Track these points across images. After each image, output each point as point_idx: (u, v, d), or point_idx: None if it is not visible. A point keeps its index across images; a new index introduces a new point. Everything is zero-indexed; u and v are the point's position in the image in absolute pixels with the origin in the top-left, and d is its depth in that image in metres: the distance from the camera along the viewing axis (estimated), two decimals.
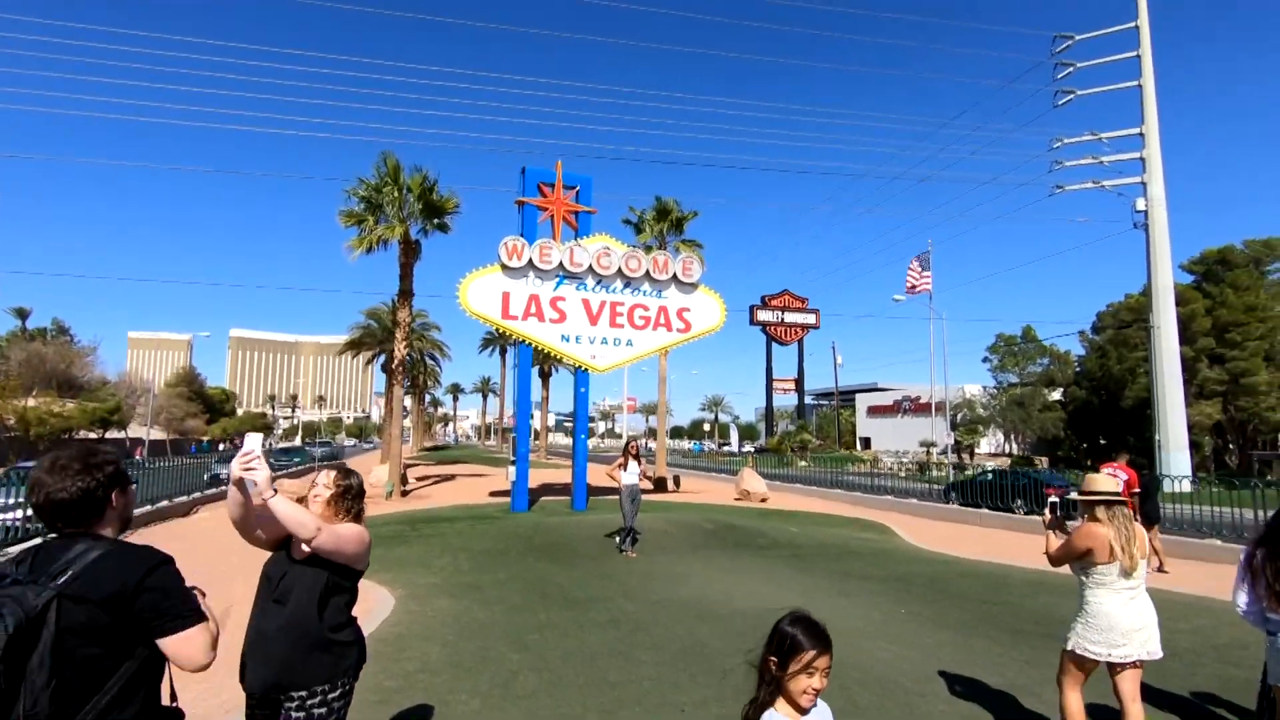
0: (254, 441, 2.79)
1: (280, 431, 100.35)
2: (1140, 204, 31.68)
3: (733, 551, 11.13)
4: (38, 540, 2.60)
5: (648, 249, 20.53)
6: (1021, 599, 8.33)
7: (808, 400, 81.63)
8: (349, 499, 3.08)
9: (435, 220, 20.55)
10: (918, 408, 70.82)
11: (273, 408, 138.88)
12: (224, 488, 21.96)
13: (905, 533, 14.79)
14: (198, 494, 19.84)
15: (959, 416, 64.86)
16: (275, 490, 2.74)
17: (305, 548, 2.84)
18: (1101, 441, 56.45)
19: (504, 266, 16.55)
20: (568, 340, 17.03)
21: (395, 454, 20.48)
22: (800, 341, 72.58)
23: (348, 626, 3.00)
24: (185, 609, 1.89)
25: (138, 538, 11.59)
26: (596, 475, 17.29)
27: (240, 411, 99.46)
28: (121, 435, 50.74)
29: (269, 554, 3.15)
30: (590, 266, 17.07)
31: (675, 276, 17.86)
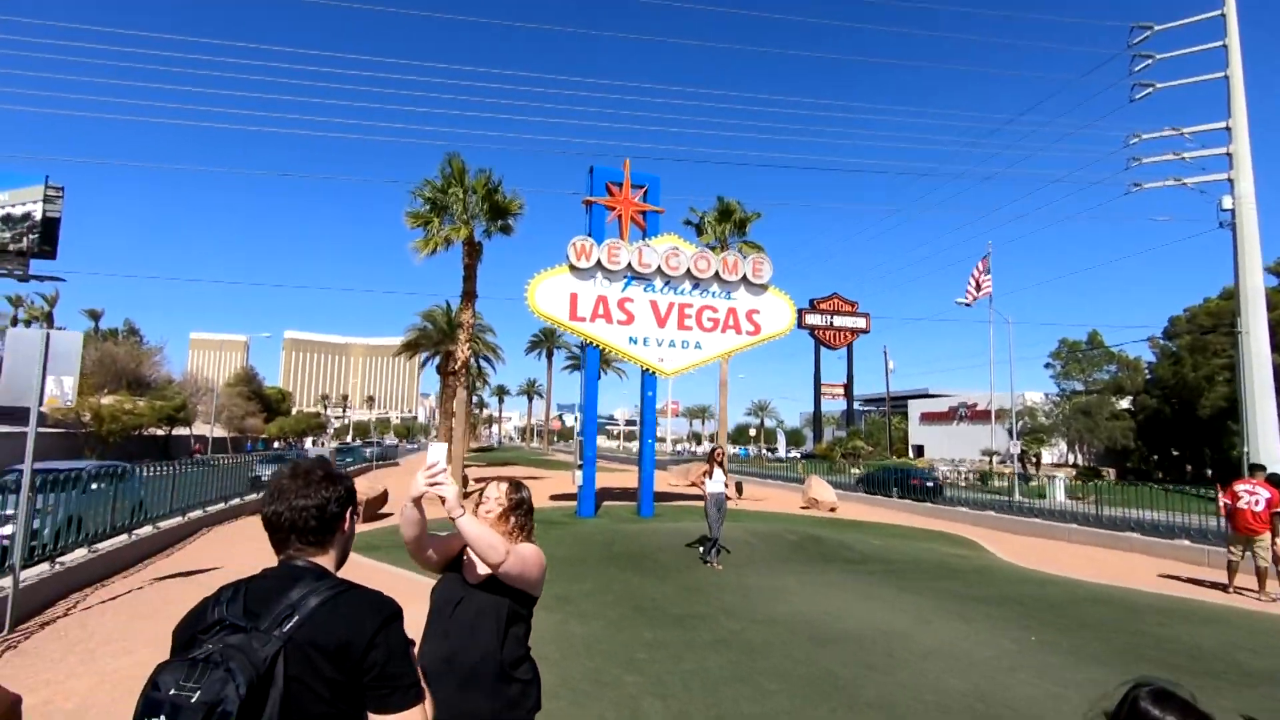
0: (439, 453, 2.46)
1: (332, 431, 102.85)
2: (1227, 202, 29.84)
3: (822, 566, 10.58)
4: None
5: (713, 250, 20.06)
6: (1158, 628, 7.60)
7: (856, 406, 79.90)
8: (521, 514, 2.80)
9: (499, 222, 20.46)
10: (975, 415, 68.52)
11: (325, 407, 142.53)
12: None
13: (994, 547, 13.98)
14: (253, 496, 20.11)
15: (1019, 425, 62.55)
16: (464, 509, 2.41)
17: (482, 571, 2.57)
18: (1174, 453, 53.65)
19: (572, 267, 16.29)
20: (635, 342, 16.67)
21: (458, 456, 20.42)
22: (849, 346, 70.99)
23: (526, 661, 2.65)
24: (409, 679, 1.54)
25: (215, 536, 11.58)
26: (626, 479, 16.87)
27: (295, 411, 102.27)
28: (187, 432, 52.43)
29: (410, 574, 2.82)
30: (659, 267, 16.70)
31: (745, 278, 17.35)
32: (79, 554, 9.82)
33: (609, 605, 7.83)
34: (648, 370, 16.88)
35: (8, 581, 7.88)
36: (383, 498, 16.19)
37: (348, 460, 36.20)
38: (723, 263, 17.18)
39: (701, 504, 10.73)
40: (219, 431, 56.27)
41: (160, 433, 48.29)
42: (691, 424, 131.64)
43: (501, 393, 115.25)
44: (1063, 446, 62.81)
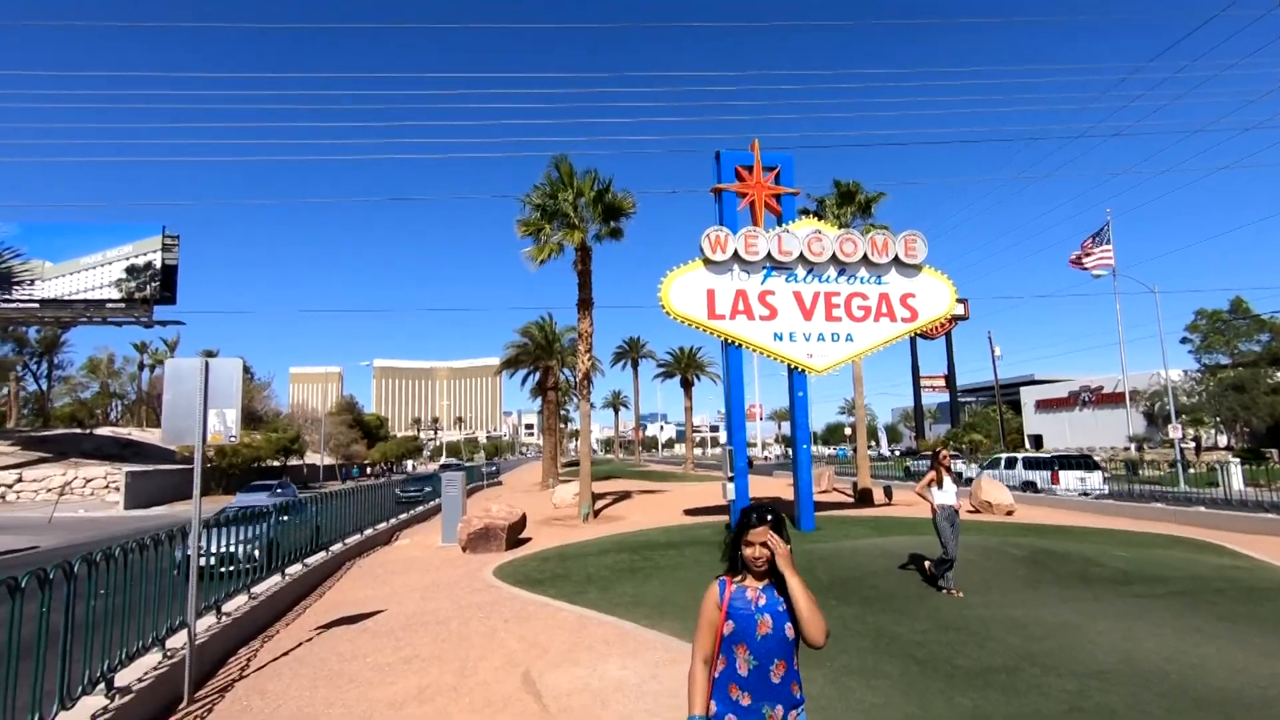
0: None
1: (428, 453, 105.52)
2: None
3: (1083, 588, 8.65)
4: None
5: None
6: None
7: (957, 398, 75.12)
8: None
9: (611, 224, 19.34)
10: (1101, 399, 62.92)
11: (418, 430, 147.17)
12: (404, 513, 21.86)
13: (1249, 550, 11.56)
14: (394, 520, 19.62)
15: (1156, 406, 56.80)
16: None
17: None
18: None
19: (706, 261, 14.90)
20: (780, 339, 15.09)
21: (586, 473, 19.35)
22: (948, 335, 66.82)
23: None
24: None
25: (359, 570, 10.73)
26: (756, 488, 15.09)
27: (392, 435, 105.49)
28: (300, 462, 54.28)
29: None
30: (801, 254, 15.09)
31: (897, 259, 15.49)
32: (239, 601, 9.10)
33: (874, 655, 6.26)
34: (796, 368, 15.24)
35: (180, 640, 7.07)
36: (522, 522, 15.19)
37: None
38: (871, 244, 15.38)
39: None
40: (328, 459, 58.11)
41: (276, 464, 50.00)
42: (780, 427, 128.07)
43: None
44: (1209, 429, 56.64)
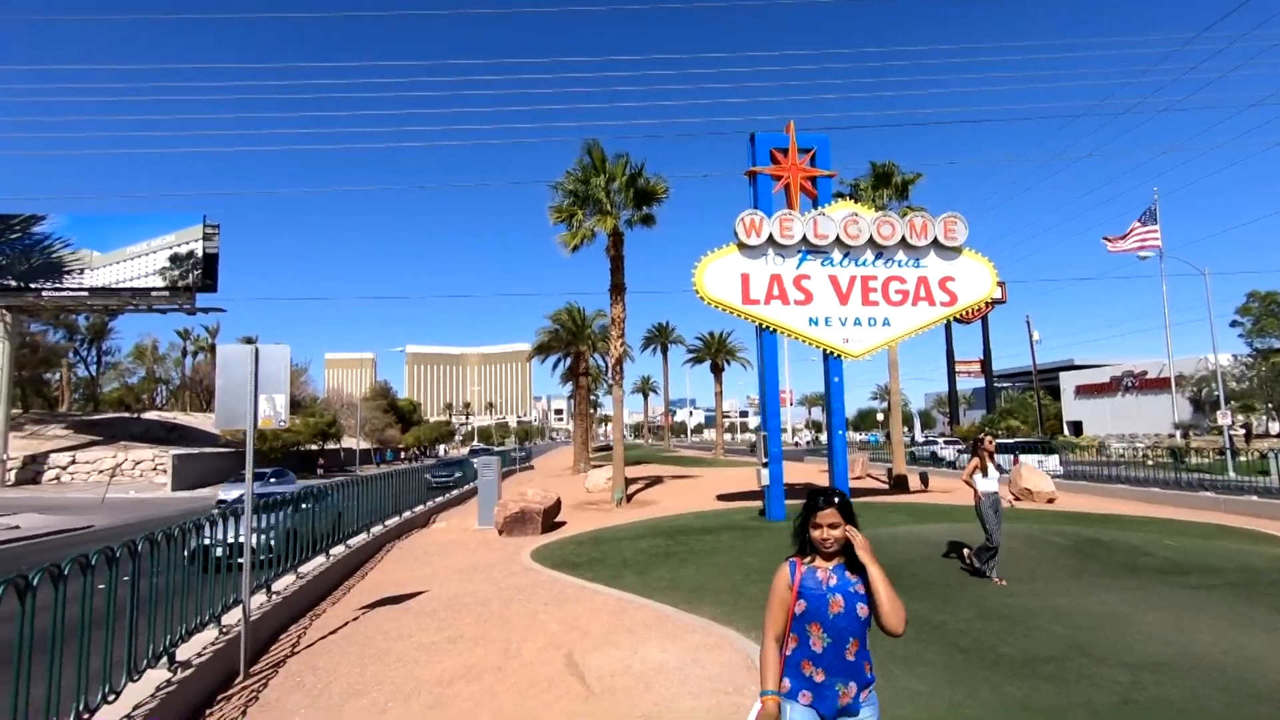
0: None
1: (459, 438, 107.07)
2: None
3: (1130, 578, 8.46)
4: None
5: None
6: None
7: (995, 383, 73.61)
8: None
9: (643, 209, 19.27)
10: (1145, 384, 61.09)
11: (449, 415, 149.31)
12: (439, 496, 22.19)
13: None
14: (431, 503, 20.00)
15: (1203, 392, 55.00)
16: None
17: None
18: None
19: (741, 245, 14.77)
20: (816, 323, 14.92)
21: (619, 458, 19.46)
22: (984, 319, 65.42)
23: None
24: None
25: (399, 551, 10.91)
26: (788, 473, 14.93)
27: (424, 420, 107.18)
28: (337, 446, 55.50)
29: None
30: (837, 237, 14.86)
31: (936, 241, 15.17)
32: (287, 580, 9.38)
33: (917, 643, 6.21)
34: (832, 354, 15.07)
35: (234, 616, 7.32)
36: (557, 506, 15.36)
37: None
38: (909, 226, 15.08)
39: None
40: (364, 444, 59.30)
41: (314, 448, 51.18)
42: (810, 412, 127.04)
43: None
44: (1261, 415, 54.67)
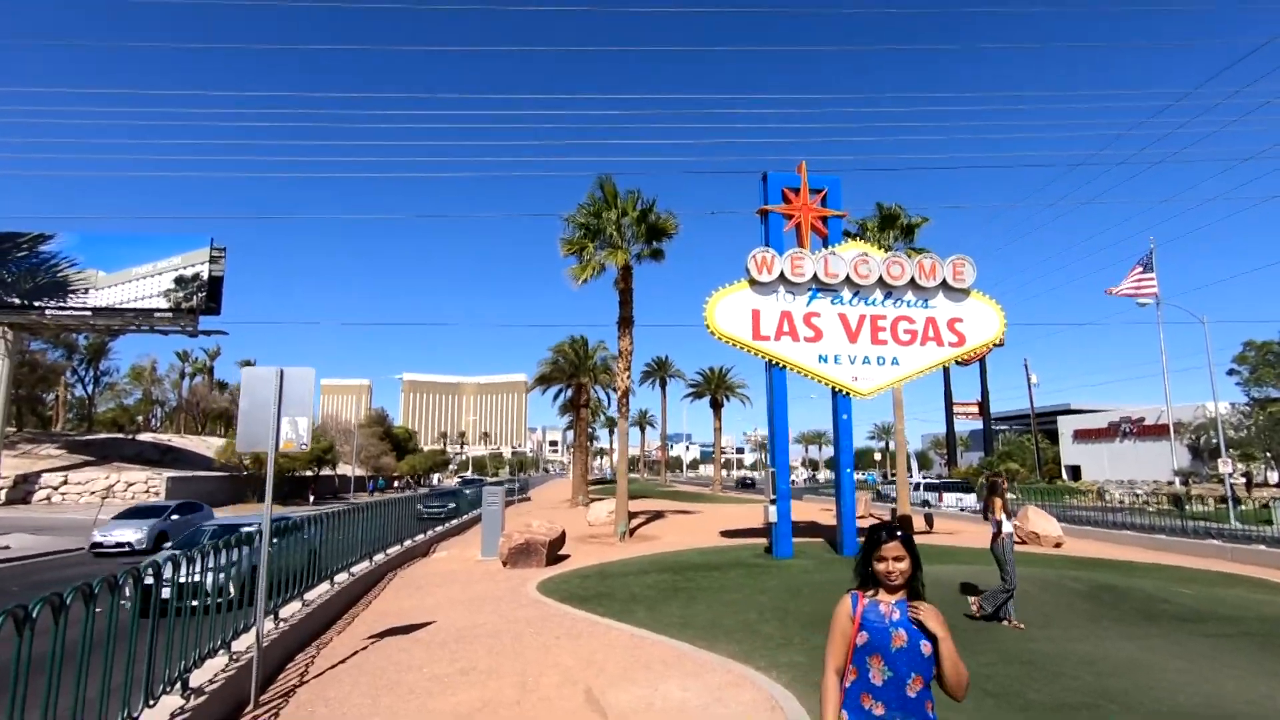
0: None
1: (454, 466, 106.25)
2: None
3: (1149, 625, 8.38)
4: None
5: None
6: None
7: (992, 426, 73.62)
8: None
9: (653, 244, 19.50)
10: (1143, 430, 61.17)
11: (444, 444, 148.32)
12: (436, 527, 21.66)
13: None
14: (431, 532, 19.77)
15: (1201, 439, 55.09)
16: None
17: None
18: None
19: (752, 281, 14.92)
20: (825, 361, 15.00)
21: (623, 491, 19.32)
22: (982, 361, 65.81)
23: None
24: None
25: (401, 581, 10.60)
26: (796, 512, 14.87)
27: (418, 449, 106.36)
28: (332, 473, 55.00)
29: None
30: (847, 276, 15.04)
31: (945, 282, 15.35)
32: (294, 608, 9.23)
33: None
34: (840, 391, 15.12)
35: (245, 642, 7.19)
36: (561, 538, 15.20)
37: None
38: (919, 267, 15.27)
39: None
40: (360, 471, 58.80)
41: (309, 474, 50.70)
42: (807, 450, 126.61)
43: (612, 424, 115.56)
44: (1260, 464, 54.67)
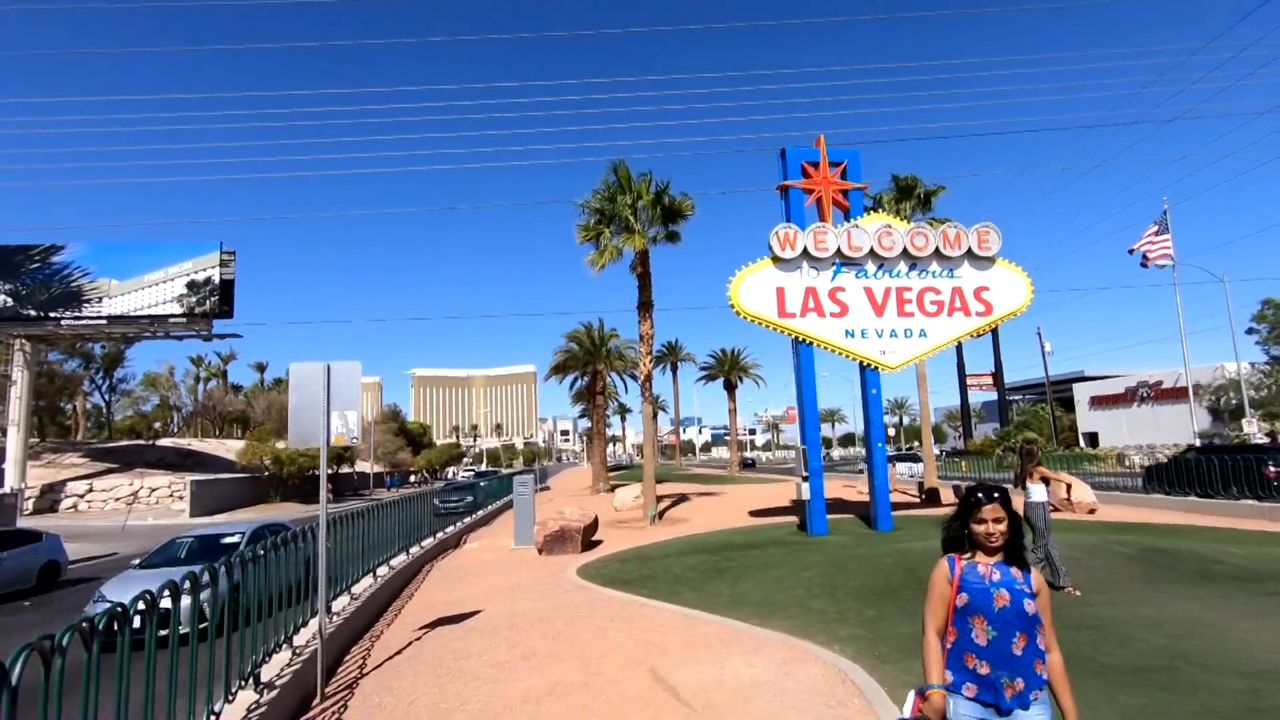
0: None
1: (469, 459, 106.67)
2: None
3: (1209, 586, 8.30)
4: None
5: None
6: None
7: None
8: None
9: (669, 227, 19.35)
10: (1160, 394, 60.69)
11: (458, 438, 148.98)
12: (459, 520, 21.20)
13: None
14: (461, 524, 19.85)
15: (1221, 400, 54.64)
16: None
17: None
18: None
19: (775, 258, 14.78)
20: (852, 335, 14.88)
21: (650, 475, 19.32)
22: (995, 330, 65.50)
23: None
24: None
25: (439, 573, 10.60)
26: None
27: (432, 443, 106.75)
28: (351, 470, 55.35)
29: None
30: (871, 249, 14.87)
31: (970, 251, 15.16)
32: (343, 602, 9.27)
33: None
34: (869, 365, 15.00)
35: (306, 635, 7.22)
36: (595, 524, 15.22)
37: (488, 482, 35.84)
38: (943, 237, 15.08)
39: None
40: (378, 467, 59.17)
41: (329, 471, 50.94)
42: (820, 428, 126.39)
43: (623, 411, 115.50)
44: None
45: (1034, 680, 2.51)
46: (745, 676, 6.00)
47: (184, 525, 31.02)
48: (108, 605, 6.12)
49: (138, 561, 11.24)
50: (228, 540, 11.16)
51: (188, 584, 4.72)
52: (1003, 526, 2.62)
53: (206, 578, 5.09)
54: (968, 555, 2.69)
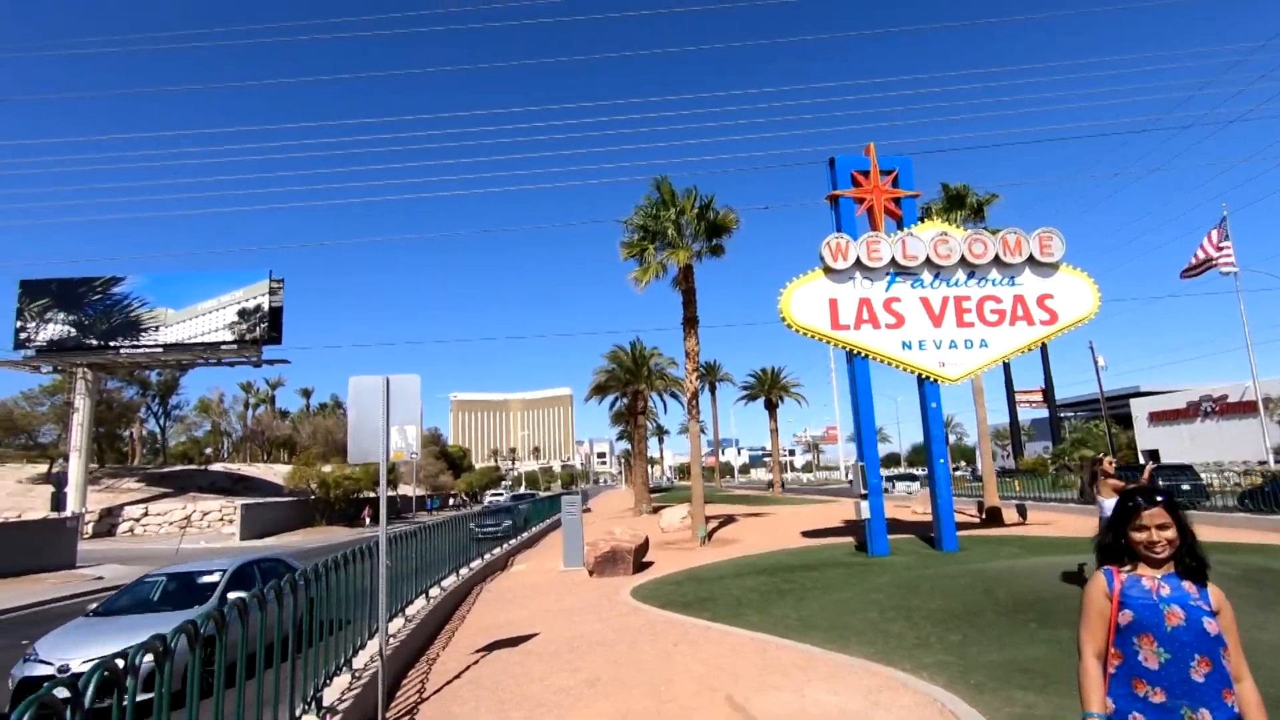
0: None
1: (508, 482, 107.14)
2: None
3: None
4: None
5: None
6: None
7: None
8: None
9: (713, 241, 19.13)
10: (1226, 409, 57.82)
11: (496, 461, 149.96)
12: (481, 556, 19.45)
13: None
14: (508, 546, 19.66)
15: None
16: None
17: None
18: None
19: (827, 269, 14.40)
20: (909, 347, 14.35)
21: (698, 495, 18.92)
22: (1044, 347, 63.48)
23: None
24: None
25: (489, 595, 10.31)
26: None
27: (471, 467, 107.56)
28: (394, 494, 55.89)
29: None
30: (927, 258, 14.39)
31: (1031, 257, 14.56)
32: (398, 624, 9.08)
33: None
34: (928, 378, 14.44)
35: (364, 657, 7.03)
36: (645, 545, 14.86)
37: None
38: (1003, 243, 14.53)
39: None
40: (420, 490, 59.69)
41: (371, 495, 51.52)
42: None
43: (661, 432, 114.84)
44: None
45: (1223, 712, 2.18)
46: (830, 705, 5.58)
47: (235, 548, 31.52)
48: (41, 669, 6.42)
49: (94, 607, 8.92)
50: (205, 579, 9.25)
51: (147, 657, 3.20)
52: (1169, 534, 2.32)
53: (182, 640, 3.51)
54: (1128, 568, 2.39)
